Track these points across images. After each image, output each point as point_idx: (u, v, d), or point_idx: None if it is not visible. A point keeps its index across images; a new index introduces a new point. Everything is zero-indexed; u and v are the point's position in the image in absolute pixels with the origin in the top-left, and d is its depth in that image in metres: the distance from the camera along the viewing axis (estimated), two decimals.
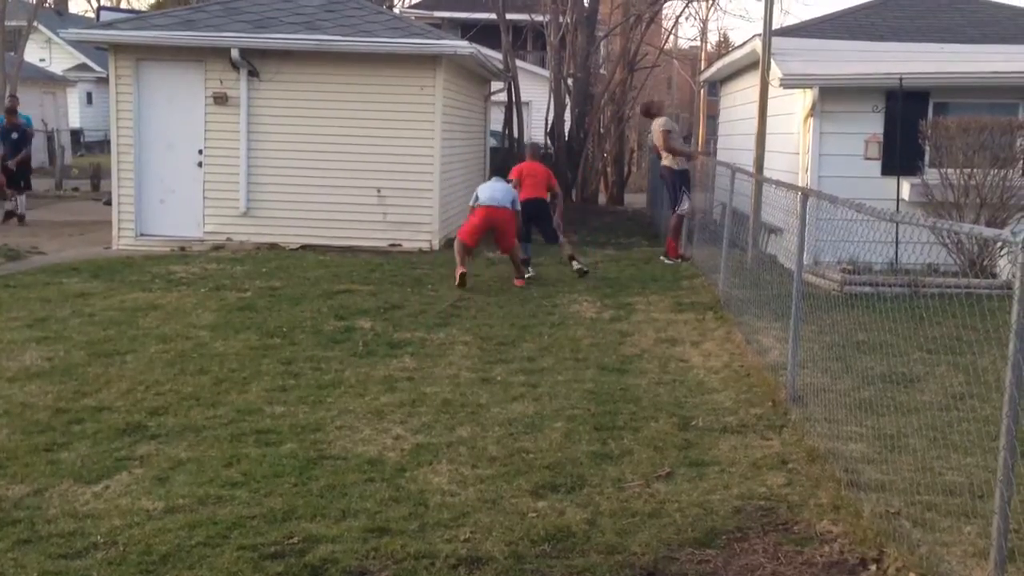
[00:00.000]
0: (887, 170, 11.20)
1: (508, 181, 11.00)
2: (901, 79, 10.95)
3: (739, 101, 15.97)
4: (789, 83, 11.40)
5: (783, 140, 12.33)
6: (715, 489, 4.93)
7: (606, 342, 8.10)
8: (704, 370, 7.26)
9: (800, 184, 10.40)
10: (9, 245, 12.84)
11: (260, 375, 6.87)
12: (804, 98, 11.67)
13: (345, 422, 5.90)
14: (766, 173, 11.13)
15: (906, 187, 10.99)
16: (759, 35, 12.15)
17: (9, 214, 16.05)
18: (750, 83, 14.39)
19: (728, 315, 8.89)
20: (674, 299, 9.88)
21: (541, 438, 5.67)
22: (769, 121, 11.63)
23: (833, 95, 11.39)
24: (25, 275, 10.67)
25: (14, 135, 16.53)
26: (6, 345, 7.52)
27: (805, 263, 10.49)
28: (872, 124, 11.36)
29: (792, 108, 12.11)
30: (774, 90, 11.68)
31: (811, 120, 11.45)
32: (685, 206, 12.17)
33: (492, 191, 10.62)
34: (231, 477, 4.96)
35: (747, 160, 12.48)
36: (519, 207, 10.71)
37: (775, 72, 11.44)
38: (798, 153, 11.81)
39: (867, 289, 9.15)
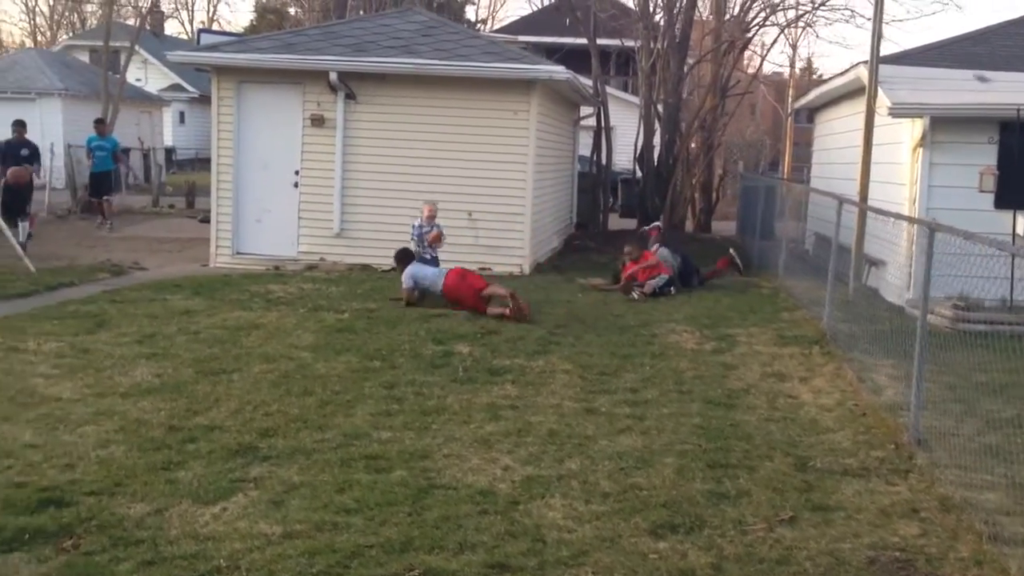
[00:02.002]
0: (1001, 203, 10.80)
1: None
2: (1019, 110, 10.54)
3: (837, 129, 15.59)
4: (898, 112, 11.06)
5: (887, 170, 11.97)
6: (844, 537, 4.71)
7: (710, 375, 7.90)
8: (816, 408, 7.01)
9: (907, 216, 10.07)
10: (112, 260, 13.19)
11: (364, 398, 6.86)
12: (912, 128, 11.31)
13: (452, 450, 5.83)
14: (868, 203, 10.80)
15: (1022, 221, 10.56)
16: (864, 62, 11.86)
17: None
18: (850, 111, 14.05)
19: (836, 350, 8.61)
20: (776, 332, 9.63)
21: (653, 474, 5.52)
22: (873, 151, 11.31)
23: (945, 125, 11.02)
24: (130, 290, 10.92)
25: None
26: (117, 360, 7.66)
27: (911, 297, 10.17)
28: (986, 155, 10.96)
29: (898, 137, 11.75)
30: (878, 119, 11.36)
31: (920, 150, 11.09)
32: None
33: (422, 270, 10.43)
34: (345, 503, 4.92)
35: (845, 190, 12.15)
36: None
37: (882, 100, 11.12)
38: (904, 184, 11.45)
39: (982, 327, 8.75)
